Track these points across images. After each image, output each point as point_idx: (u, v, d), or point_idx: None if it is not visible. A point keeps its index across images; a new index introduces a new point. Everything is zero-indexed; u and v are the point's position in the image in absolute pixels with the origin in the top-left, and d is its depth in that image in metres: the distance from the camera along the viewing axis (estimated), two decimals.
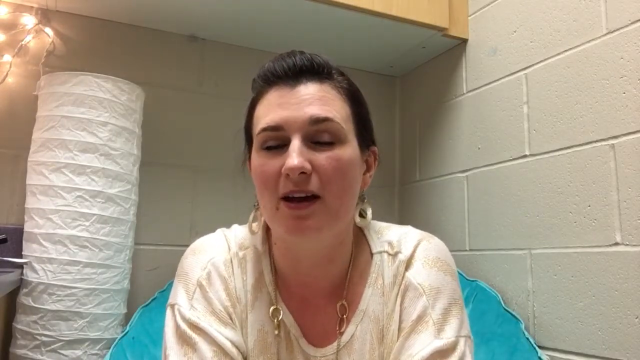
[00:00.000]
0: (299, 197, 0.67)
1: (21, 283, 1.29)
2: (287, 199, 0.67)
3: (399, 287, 0.74)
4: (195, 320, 0.70)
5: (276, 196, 0.68)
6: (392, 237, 0.78)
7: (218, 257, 0.75)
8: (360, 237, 0.80)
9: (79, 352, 1.27)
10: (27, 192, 1.34)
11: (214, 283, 0.73)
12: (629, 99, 1.18)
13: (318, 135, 0.68)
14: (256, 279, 0.76)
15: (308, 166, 0.66)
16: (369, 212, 0.77)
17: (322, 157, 0.67)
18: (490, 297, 1.44)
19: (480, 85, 1.63)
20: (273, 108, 0.69)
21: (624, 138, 1.18)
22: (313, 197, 0.67)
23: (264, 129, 0.69)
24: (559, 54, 1.36)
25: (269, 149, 0.69)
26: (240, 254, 0.77)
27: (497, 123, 1.55)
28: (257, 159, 0.70)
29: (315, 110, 0.67)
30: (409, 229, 0.80)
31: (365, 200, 0.77)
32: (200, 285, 0.73)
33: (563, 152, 1.33)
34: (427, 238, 0.78)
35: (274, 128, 0.68)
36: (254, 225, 0.77)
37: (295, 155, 0.65)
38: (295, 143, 0.66)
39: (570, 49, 1.33)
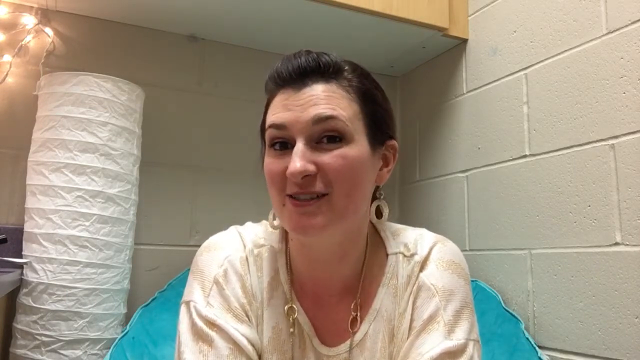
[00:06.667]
0: (305, 198, 0.67)
1: (21, 283, 1.29)
2: (293, 197, 0.68)
3: (412, 287, 0.75)
4: (212, 317, 0.70)
5: (283, 194, 0.69)
6: (407, 239, 0.79)
7: (234, 255, 0.75)
8: (376, 237, 0.80)
9: (79, 352, 1.27)
10: (27, 192, 1.34)
11: (230, 280, 0.73)
12: (629, 99, 1.18)
13: (323, 134, 0.68)
14: (272, 277, 0.77)
15: (311, 168, 0.66)
16: (385, 210, 0.77)
17: (327, 157, 0.67)
18: (490, 297, 1.44)
19: (480, 85, 1.63)
20: (279, 109, 0.70)
21: (624, 138, 1.18)
22: (319, 196, 0.67)
23: (270, 126, 0.70)
24: (559, 54, 1.36)
25: (276, 148, 0.70)
26: (256, 251, 0.77)
27: (497, 123, 1.55)
28: (266, 158, 0.72)
29: (318, 109, 0.68)
30: (423, 232, 0.80)
31: (382, 197, 0.78)
32: (216, 282, 0.73)
33: (563, 152, 1.33)
34: (442, 241, 0.78)
35: (278, 126, 0.69)
36: (275, 222, 0.77)
37: (297, 159, 0.66)
38: (299, 146, 0.67)
39: (570, 49, 1.33)
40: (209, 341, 0.68)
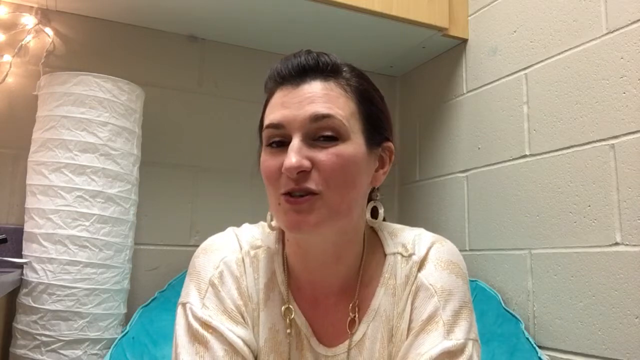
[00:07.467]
0: (299, 195, 0.68)
1: (21, 283, 1.29)
2: (287, 194, 0.68)
3: (411, 287, 0.75)
4: (207, 318, 0.70)
5: (278, 192, 0.69)
6: (405, 239, 0.79)
7: (230, 256, 0.76)
8: (373, 237, 0.80)
9: (79, 352, 1.27)
10: (27, 192, 1.34)
11: (226, 282, 0.74)
12: (629, 99, 1.18)
13: (319, 132, 0.68)
14: (269, 278, 0.77)
15: (306, 164, 0.66)
16: (381, 211, 0.77)
17: (323, 154, 0.68)
18: (490, 297, 1.44)
19: (480, 85, 1.63)
20: (277, 107, 0.71)
21: (624, 138, 1.18)
22: (313, 194, 0.67)
23: (267, 127, 0.71)
24: (559, 54, 1.36)
25: (273, 146, 0.70)
26: (252, 252, 0.77)
27: (497, 123, 1.55)
28: (263, 156, 0.72)
29: (316, 107, 0.68)
30: (421, 231, 0.80)
31: (378, 198, 0.78)
32: (212, 284, 0.73)
33: (563, 152, 1.33)
34: (440, 241, 0.78)
35: (276, 126, 0.70)
36: (273, 223, 0.77)
37: (293, 155, 0.66)
38: (295, 142, 0.67)
39: (570, 49, 1.33)
40: (204, 342, 0.69)
